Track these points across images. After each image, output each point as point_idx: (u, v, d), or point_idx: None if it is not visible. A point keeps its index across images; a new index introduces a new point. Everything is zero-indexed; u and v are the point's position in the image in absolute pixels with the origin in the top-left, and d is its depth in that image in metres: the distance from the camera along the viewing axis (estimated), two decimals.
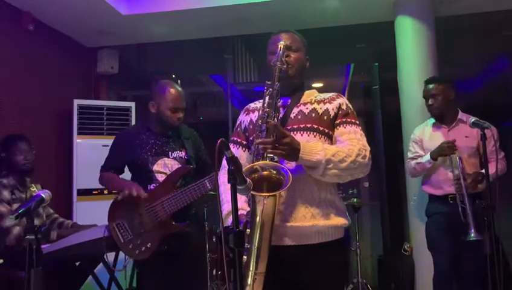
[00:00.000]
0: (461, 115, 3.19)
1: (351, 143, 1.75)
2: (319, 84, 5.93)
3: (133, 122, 4.77)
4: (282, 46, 1.80)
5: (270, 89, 1.75)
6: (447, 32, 4.39)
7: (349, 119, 1.83)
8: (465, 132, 3.10)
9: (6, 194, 2.94)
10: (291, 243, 1.73)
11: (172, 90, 2.67)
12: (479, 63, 5.70)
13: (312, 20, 4.54)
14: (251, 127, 1.90)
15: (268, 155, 1.67)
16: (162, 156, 2.68)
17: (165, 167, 2.67)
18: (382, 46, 4.82)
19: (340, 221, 1.79)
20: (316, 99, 1.88)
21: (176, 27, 4.71)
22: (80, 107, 4.56)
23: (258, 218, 1.60)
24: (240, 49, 5.57)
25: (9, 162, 3.05)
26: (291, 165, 1.73)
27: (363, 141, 1.79)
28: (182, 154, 2.74)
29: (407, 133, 3.78)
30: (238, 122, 2.01)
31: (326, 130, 1.80)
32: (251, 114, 1.95)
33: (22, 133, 3.22)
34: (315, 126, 1.79)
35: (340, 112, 1.83)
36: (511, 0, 4.14)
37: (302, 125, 1.80)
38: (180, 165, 2.70)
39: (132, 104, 4.84)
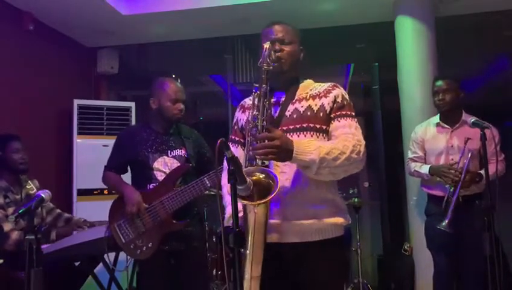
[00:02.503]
0: (465, 116, 3.13)
1: (346, 138, 1.70)
2: None
3: (133, 122, 4.77)
4: (268, 47, 1.72)
5: (258, 92, 1.70)
6: (447, 32, 4.39)
7: (344, 112, 1.78)
8: (469, 134, 3.07)
9: None
10: (291, 241, 1.73)
11: (171, 84, 2.74)
12: (479, 63, 5.69)
13: (312, 20, 4.53)
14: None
15: (259, 159, 1.64)
16: (162, 154, 2.70)
17: (164, 165, 2.68)
18: (382, 46, 4.81)
19: (340, 219, 1.79)
20: (311, 94, 1.82)
21: (176, 27, 4.71)
22: (80, 107, 4.56)
23: (250, 228, 1.58)
24: (240, 49, 5.56)
25: (5, 162, 2.96)
26: (293, 167, 1.72)
27: (358, 135, 1.74)
28: (182, 152, 2.74)
29: (407, 133, 3.78)
30: (234, 119, 1.98)
31: (324, 127, 1.76)
32: (247, 112, 1.90)
33: (14, 133, 3.13)
34: (311, 125, 1.75)
35: (335, 105, 1.78)
36: (511, 0, 4.14)
37: (298, 126, 1.76)
38: (179, 164, 2.71)
39: (132, 104, 4.84)
